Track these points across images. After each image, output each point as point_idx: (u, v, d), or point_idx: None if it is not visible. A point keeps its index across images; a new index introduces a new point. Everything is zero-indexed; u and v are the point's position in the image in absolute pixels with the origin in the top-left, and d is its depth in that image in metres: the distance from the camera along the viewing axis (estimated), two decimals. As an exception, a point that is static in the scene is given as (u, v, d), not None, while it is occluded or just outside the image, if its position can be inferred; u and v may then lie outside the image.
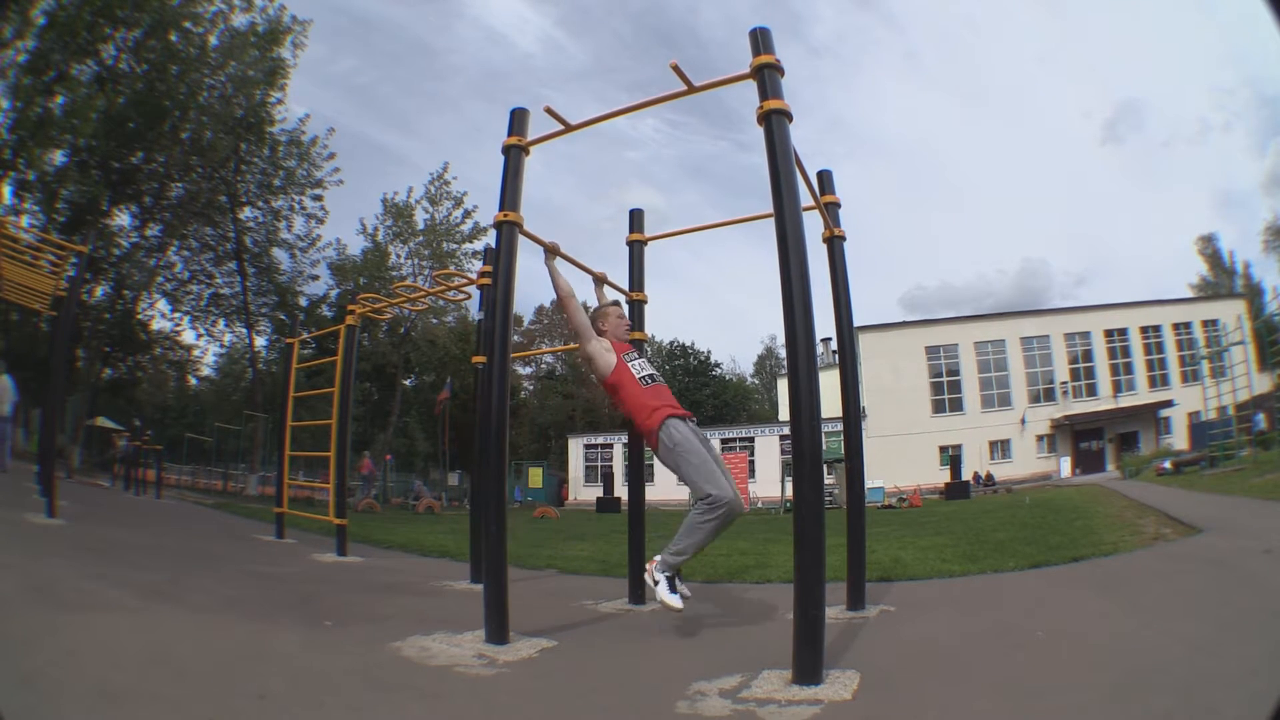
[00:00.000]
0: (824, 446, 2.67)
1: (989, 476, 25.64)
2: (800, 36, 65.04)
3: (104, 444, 18.10)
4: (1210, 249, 44.51)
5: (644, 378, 3.43)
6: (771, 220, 2.64)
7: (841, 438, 4.16)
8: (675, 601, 3.03)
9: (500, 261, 3.29)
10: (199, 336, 26.37)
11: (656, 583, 3.06)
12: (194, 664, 2.28)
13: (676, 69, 3.03)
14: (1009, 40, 68.14)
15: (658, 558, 3.11)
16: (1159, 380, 29.57)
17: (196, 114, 21.21)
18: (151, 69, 20.12)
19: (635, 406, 3.37)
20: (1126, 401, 29.20)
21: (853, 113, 72.56)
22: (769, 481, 24.75)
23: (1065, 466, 28.67)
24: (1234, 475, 11.65)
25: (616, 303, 3.82)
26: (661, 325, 56.77)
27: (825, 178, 4.03)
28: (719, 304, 79.87)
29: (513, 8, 67.43)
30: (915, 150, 74.86)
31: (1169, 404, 27.80)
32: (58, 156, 19.49)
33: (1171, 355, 29.69)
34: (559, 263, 3.73)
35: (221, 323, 25.09)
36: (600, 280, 4.16)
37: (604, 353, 3.48)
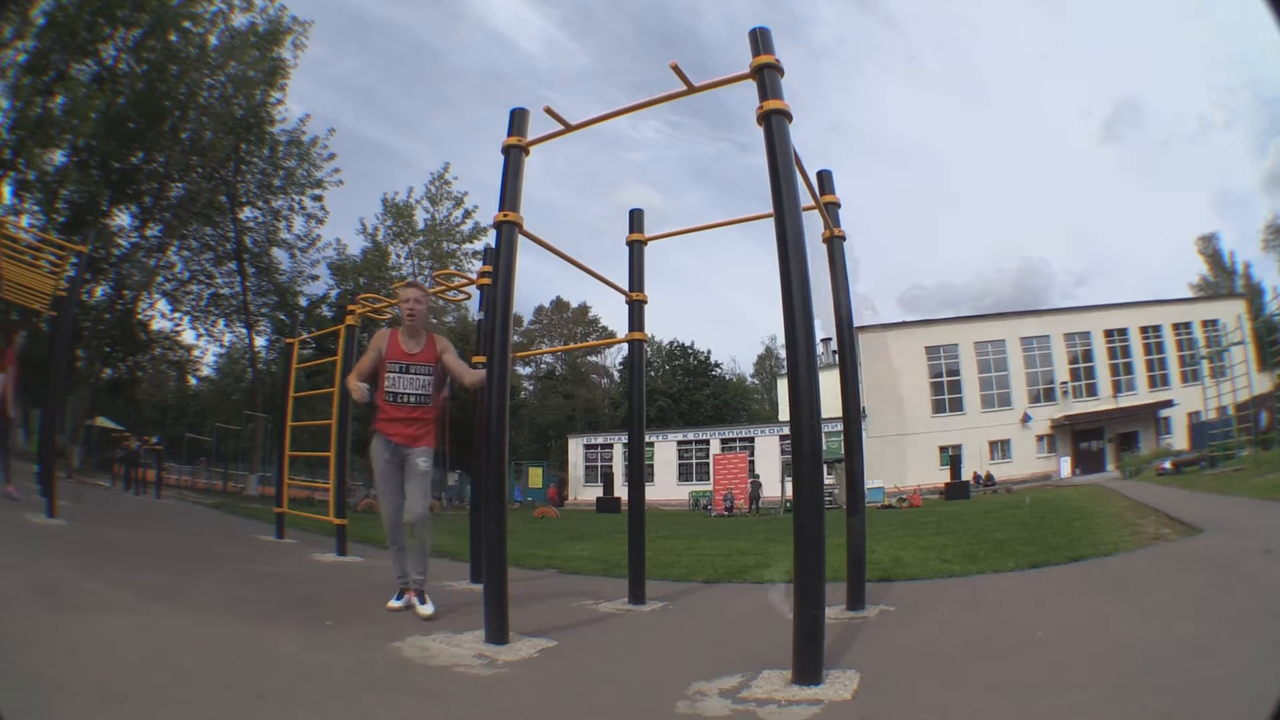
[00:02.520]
0: (824, 446, 2.67)
1: (989, 476, 25.62)
2: (801, 38, 64.87)
3: (110, 444, 18.06)
4: (1210, 249, 44.42)
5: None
6: (771, 220, 2.65)
7: (841, 438, 4.16)
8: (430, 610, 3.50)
9: (500, 261, 3.29)
10: (199, 336, 26.31)
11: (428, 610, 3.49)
12: (194, 664, 2.28)
13: (676, 69, 3.04)
14: (1008, 40, 67.93)
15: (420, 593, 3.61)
16: (1159, 380, 29.53)
17: (196, 114, 21.19)
18: (151, 69, 20.10)
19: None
20: (1126, 401, 29.17)
21: (853, 114, 72.28)
22: (769, 481, 24.70)
23: (1065, 466, 28.63)
24: (1234, 475, 11.65)
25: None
26: (662, 325, 56.77)
27: (825, 178, 4.03)
28: (719, 304, 79.95)
29: (515, 9, 67.53)
30: (915, 150, 74.61)
31: (1169, 404, 27.77)
32: (58, 156, 19.49)
33: (1171, 355, 29.65)
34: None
35: (221, 323, 25.06)
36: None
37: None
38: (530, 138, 3.34)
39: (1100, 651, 2.49)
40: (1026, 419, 29.86)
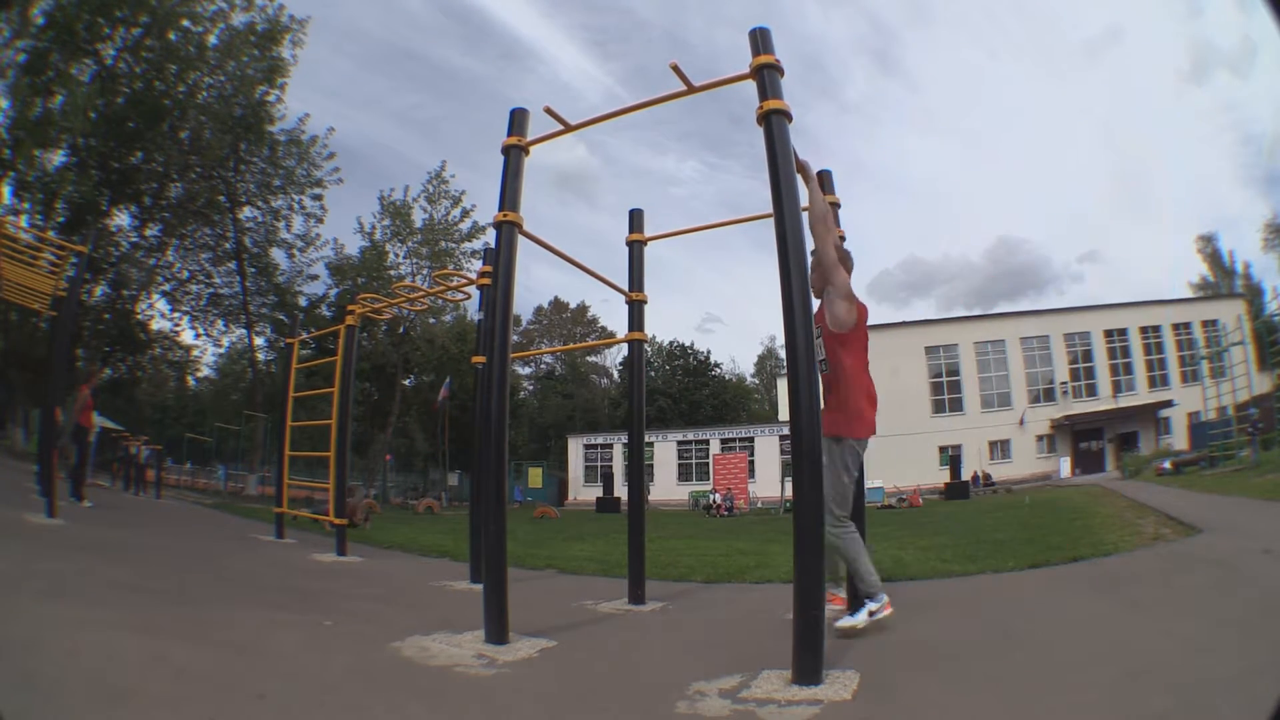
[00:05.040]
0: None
1: (988, 477, 25.62)
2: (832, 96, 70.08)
3: (110, 444, 18.04)
4: (1210, 249, 44.39)
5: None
6: (771, 220, 2.65)
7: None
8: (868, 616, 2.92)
9: (500, 261, 3.29)
10: (198, 336, 26.25)
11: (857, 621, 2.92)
12: (194, 664, 2.27)
13: (676, 69, 3.04)
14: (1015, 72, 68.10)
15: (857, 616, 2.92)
16: (1159, 380, 29.54)
17: (195, 113, 21.16)
18: (150, 68, 20.08)
19: (855, 388, 2.96)
20: (1126, 401, 29.17)
21: (872, 155, 74.12)
22: (769, 481, 24.74)
23: (1065, 467, 28.63)
24: (1234, 475, 11.66)
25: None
26: (662, 325, 56.84)
27: (825, 177, 4.03)
28: (719, 304, 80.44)
29: (580, 65, 75.64)
30: (915, 164, 75.03)
31: (1169, 404, 27.77)
32: (57, 156, 19.47)
33: (1171, 355, 29.65)
34: None
35: (221, 323, 25.00)
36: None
37: (851, 301, 3.03)
38: (530, 138, 3.35)
39: (1100, 651, 2.49)
40: (1023, 422, 29.88)
